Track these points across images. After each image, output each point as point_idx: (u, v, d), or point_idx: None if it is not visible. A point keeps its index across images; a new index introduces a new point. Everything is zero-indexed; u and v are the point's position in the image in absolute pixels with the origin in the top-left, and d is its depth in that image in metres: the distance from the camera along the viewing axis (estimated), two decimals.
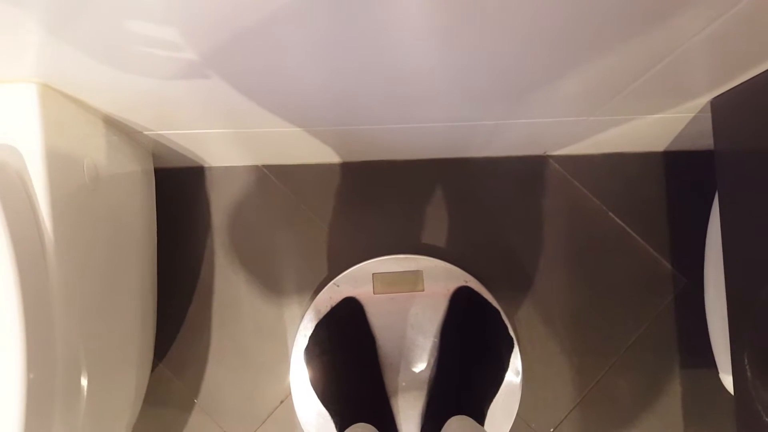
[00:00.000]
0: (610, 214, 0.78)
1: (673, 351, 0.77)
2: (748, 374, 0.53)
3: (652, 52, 0.42)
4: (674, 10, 0.35)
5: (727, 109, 0.55)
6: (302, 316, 0.75)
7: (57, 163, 0.45)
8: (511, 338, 0.73)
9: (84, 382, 0.49)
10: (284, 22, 0.35)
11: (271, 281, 0.77)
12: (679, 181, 0.79)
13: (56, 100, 0.47)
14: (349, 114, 0.57)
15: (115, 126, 0.58)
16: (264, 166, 0.78)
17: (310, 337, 0.72)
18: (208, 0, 0.32)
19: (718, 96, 0.55)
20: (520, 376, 0.74)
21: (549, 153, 0.79)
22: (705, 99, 0.56)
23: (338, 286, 0.74)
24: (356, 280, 0.74)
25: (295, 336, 0.74)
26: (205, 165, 0.78)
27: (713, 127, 0.57)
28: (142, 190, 0.68)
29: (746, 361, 0.53)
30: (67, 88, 0.47)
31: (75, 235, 0.49)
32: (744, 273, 0.54)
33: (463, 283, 0.74)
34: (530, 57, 0.42)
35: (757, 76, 0.49)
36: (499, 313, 0.73)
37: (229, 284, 0.77)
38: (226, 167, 0.78)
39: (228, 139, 0.66)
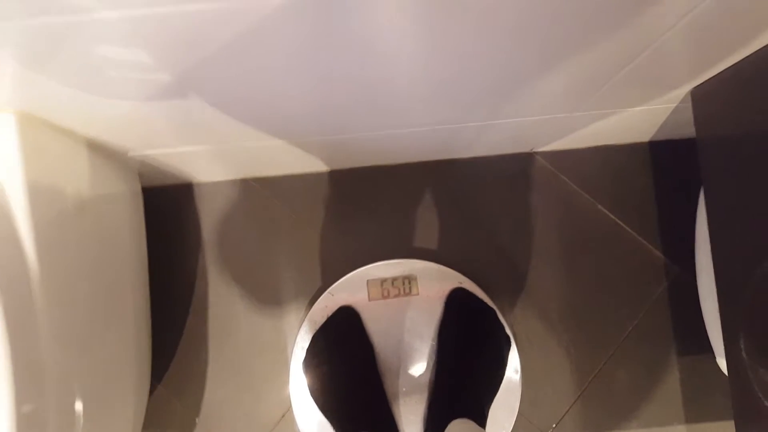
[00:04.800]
0: (600, 206, 0.79)
1: (670, 339, 0.77)
2: (745, 358, 0.53)
3: (631, 45, 0.42)
4: (652, 1, 0.35)
5: (706, 98, 0.55)
6: (299, 328, 0.74)
7: (39, 192, 0.45)
8: (508, 336, 0.73)
9: (79, 410, 0.49)
10: (262, 37, 0.35)
11: (266, 294, 0.76)
12: (667, 171, 0.79)
13: (36, 128, 0.46)
14: (333, 123, 0.56)
15: (98, 149, 0.58)
16: (252, 179, 0.78)
17: (308, 349, 0.72)
18: (180, 18, 0.32)
19: (697, 86, 0.55)
20: (519, 374, 0.74)
21: (536, 149, 0.79)
22: (685, 89, 0.56)
23: (333, 294, 0.74)
24: (351, 288, 0.74)
25: (292, 348, 0.74)
26: (193, 181, 0.78)
27: (694, 117, 0.57)
28: (130, 210, 0.68)
29: (742, 345, 0.53)
30: (46, 115, 0.47)
31: (61, 262, 0.48)
32: (731, 258, 0.54)
33: (458, 284, 0.74)
34: (512, 58, 0.42)
35: (733, 65, 0.49)
36: (494, 312, 0.73)
37: (223, 300, 0.76)
38: (214, 182, 0.78)
39: (214, 155, 0.66)
